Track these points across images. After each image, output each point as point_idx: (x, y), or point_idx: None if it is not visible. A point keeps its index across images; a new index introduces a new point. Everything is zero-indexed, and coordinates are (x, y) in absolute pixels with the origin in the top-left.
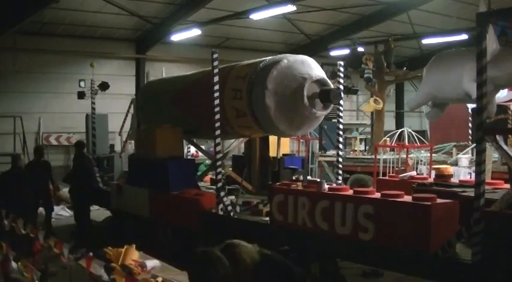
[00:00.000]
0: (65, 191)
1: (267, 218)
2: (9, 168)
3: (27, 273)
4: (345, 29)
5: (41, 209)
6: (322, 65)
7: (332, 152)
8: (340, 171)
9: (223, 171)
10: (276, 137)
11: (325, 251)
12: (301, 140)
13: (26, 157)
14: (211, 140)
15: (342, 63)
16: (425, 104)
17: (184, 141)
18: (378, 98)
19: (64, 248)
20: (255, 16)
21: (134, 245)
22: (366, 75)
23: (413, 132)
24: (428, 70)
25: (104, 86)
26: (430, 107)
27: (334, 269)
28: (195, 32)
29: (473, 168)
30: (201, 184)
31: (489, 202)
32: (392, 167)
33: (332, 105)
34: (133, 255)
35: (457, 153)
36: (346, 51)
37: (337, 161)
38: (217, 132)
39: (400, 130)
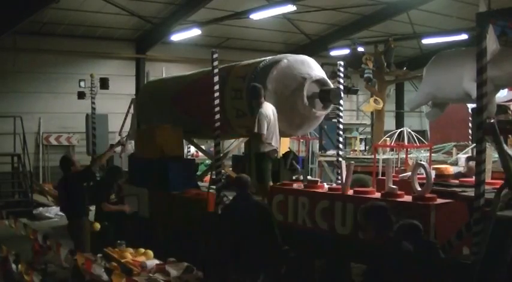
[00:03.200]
0: None
1: None
2: None
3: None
4: (345, 29)
5: None
6: (322, 65)
7: (332, 152)
8: None
9: (223, 171)
10: None
11: (325, 251)
12: (301, 140)
13: (26, 157)
14: (211, 140)
15: (342, 63)
16: (425, 104)
17: (184, 141)
18: (378, 98)
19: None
20: (255, 16)
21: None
22: (366, 75)
23: (412, 132)
24: (428, 70)
25: (104, 83)
26: (430, 107)
27: (344, 272)
28: (195, 32)
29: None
30: (201, 184)
31: (489, 202)
32: (392, 167)
33: (332, 105)
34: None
35: (457, 153)
36: (346, 51)
37: (337, 161)
38: (217, 132)
39: (399, 130)
